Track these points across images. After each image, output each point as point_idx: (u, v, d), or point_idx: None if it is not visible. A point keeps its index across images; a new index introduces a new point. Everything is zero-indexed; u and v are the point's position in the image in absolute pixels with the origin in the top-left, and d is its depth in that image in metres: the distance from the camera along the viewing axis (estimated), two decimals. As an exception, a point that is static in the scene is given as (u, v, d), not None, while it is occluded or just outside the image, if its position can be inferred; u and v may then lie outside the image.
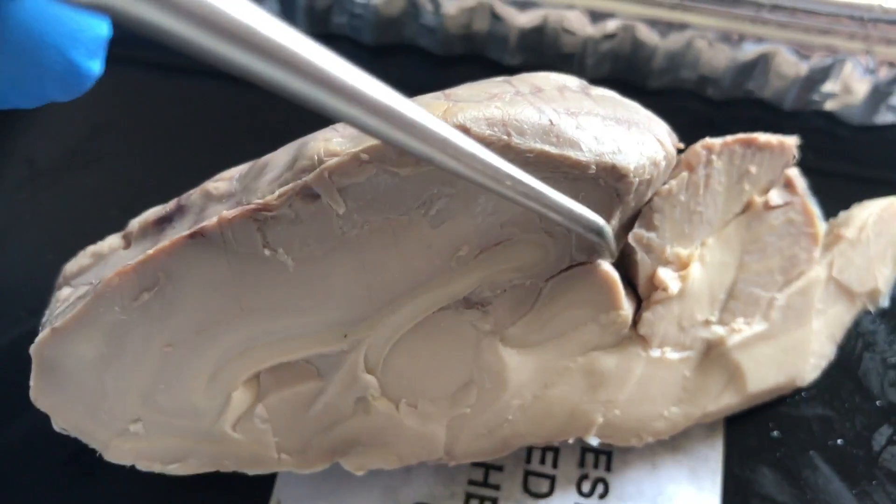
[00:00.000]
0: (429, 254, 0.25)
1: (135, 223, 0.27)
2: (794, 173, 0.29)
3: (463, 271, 0.26)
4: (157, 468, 0.29)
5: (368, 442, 0.29)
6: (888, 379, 0.33)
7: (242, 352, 0.26)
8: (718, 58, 0.38)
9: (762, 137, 0.28)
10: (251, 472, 0.29)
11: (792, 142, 0.28)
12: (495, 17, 0.39)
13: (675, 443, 0.31)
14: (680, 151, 0.28)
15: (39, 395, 0.27)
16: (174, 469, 0.29)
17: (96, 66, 0.17)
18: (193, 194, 0.25)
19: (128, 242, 0.26)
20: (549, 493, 0.30)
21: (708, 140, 0.27)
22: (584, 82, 0.28)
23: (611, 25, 0.38)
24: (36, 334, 0.32)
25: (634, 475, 0.31)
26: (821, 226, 0.30)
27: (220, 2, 0.12)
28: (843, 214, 0.31)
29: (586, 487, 0.31)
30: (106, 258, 0.26)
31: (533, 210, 0.22)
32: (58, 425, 0.28)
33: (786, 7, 0.37)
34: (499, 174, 0.20)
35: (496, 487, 0.30)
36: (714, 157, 0.27)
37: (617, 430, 0.30)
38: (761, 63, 0.38)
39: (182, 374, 0.26)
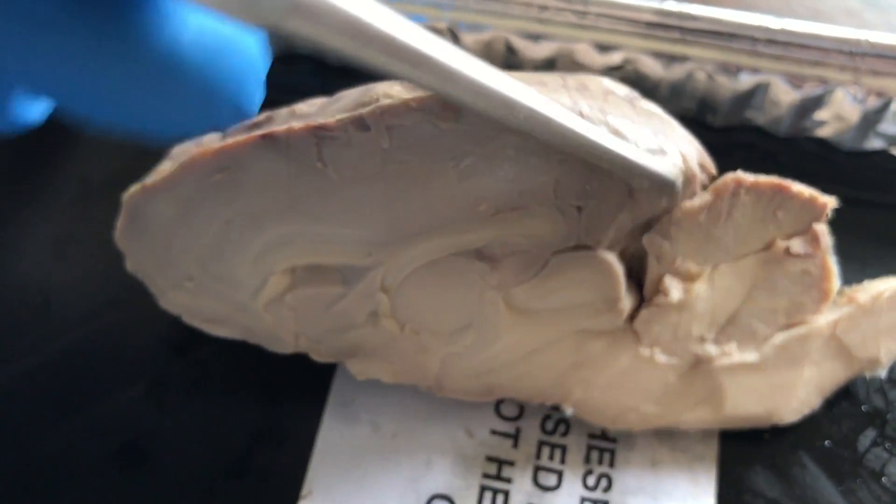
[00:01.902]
0: (451, 202, 0.28)
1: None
2: (822, 230, 0.29)
3: (479, 225, 0.28)
4: (196, 323, 0.33)
5: (372, 352, 0.32)
6: (873, 386, 0.34)
7: (285, 243, 0.29)
8: (717, 88, 0.40)
9: (795, 187, 0.28)
10: (272, 349, 0.33)
11: (827, 201, 0.28)
12: (511, 50, 0.41)
13: (673, 442, 0.33)
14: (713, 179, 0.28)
15: (121, 236, 0.31)
16: (210, 328, 0.33)
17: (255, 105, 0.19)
18: (283, 110, 0.29)
19: (223, 136, 0.30)
20: (558, 486, 0.33)
21: (740, 174, 0.28)
22: (634, 93, 0.29)
23: (616, 58, 0.40)
24: (89, 341, 0.35)
25: (636, 470, 0.33)
26: (836, 284, 0.30)
27: None
28: (866, 283, 0.32)
29: (591, 481, 0.33)
30: (202, 145, 0.30)
31: (593, 159, 0.24)
32: (130, 265, 0.32)
33: (780, 41, 0.39)
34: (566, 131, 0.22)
35: (508, 480, 0.33)
36: (742, 191, 0.28)
37: (591, 409, 0.32)
38: (758, 92, 0.40)
39: (233, 248, 0.30)
